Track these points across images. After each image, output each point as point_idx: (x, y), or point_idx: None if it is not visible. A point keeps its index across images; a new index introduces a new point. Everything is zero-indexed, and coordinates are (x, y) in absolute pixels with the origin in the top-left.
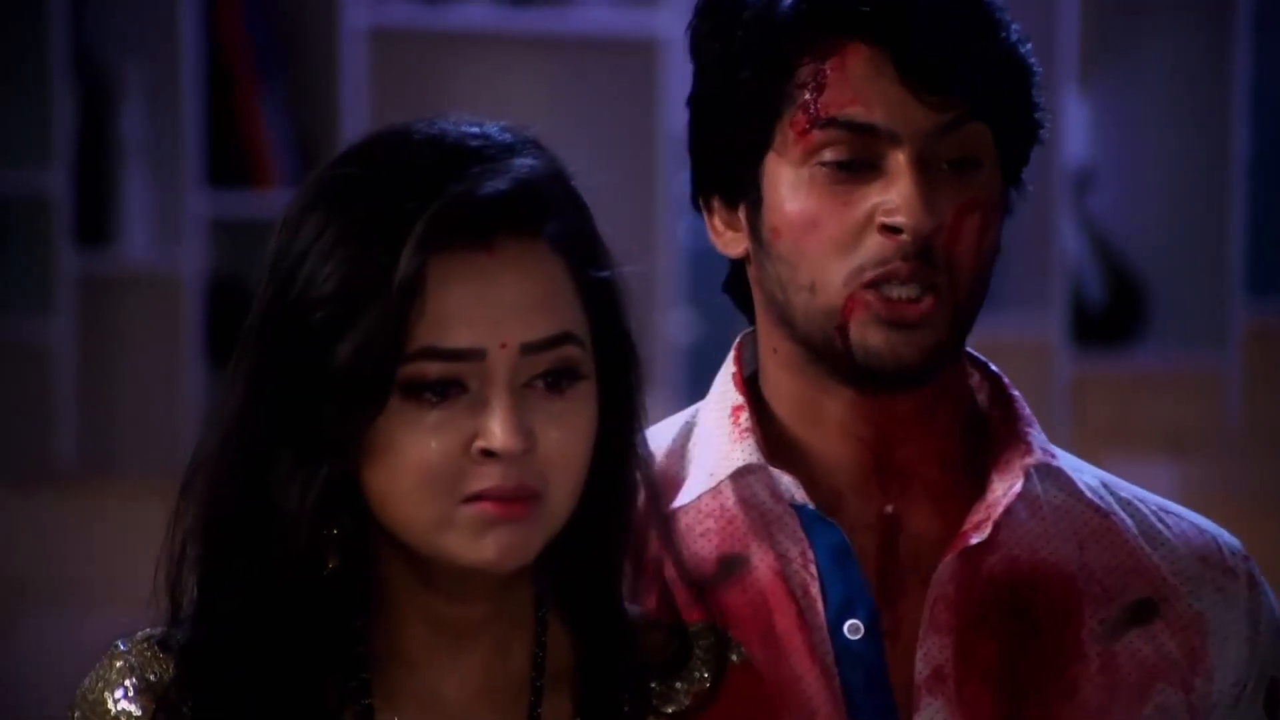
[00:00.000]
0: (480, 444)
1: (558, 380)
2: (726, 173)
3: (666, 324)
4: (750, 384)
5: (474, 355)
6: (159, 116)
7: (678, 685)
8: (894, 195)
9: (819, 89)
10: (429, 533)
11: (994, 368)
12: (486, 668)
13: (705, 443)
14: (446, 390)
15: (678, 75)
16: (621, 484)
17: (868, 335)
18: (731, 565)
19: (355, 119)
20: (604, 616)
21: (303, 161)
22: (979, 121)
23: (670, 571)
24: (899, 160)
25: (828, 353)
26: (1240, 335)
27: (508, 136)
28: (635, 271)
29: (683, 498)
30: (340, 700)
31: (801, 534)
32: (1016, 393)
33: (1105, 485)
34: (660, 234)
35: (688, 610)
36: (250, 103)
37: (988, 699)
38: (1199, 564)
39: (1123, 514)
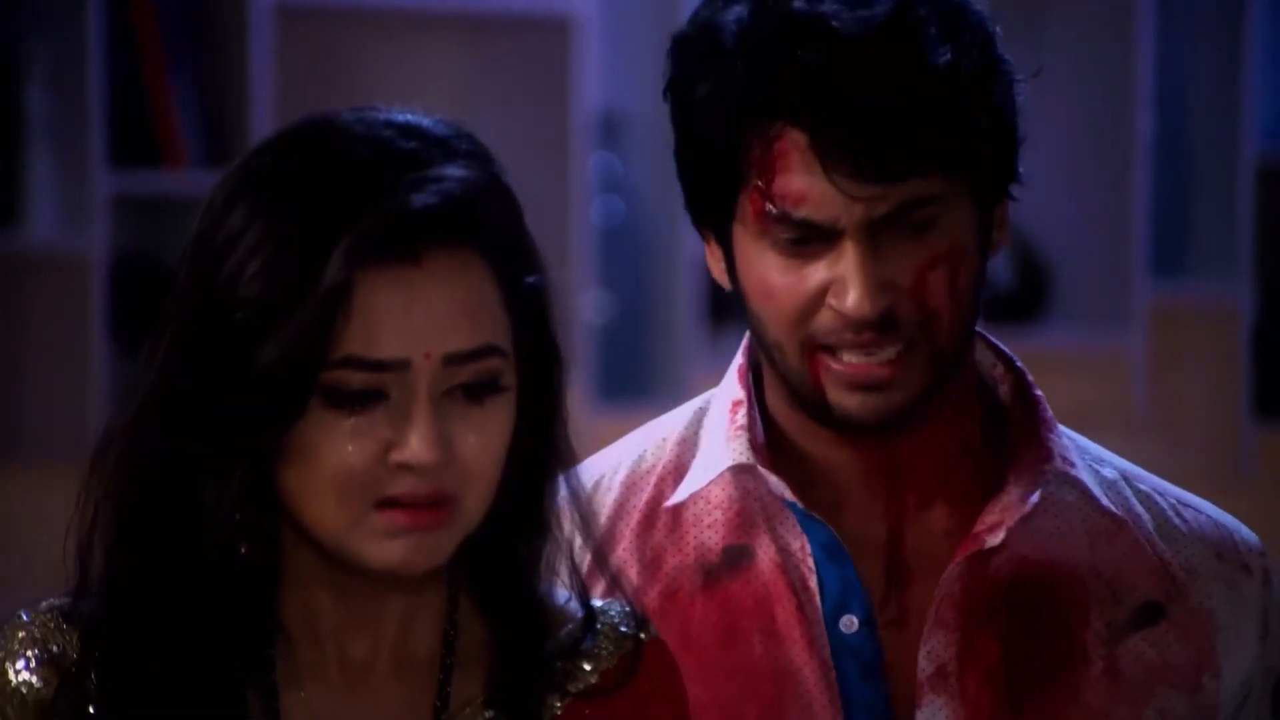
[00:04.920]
0: (397, 457)
1: (477, 392)
2: (707, 221)
3: (580, 304)
4: (757, 373)
5: (398, 366)
6: (64, 95)
7: (585, 666)
8: (840, 275)
9: (767, 173)
10: (339, 534)
11: (1019, 363)
12: (395, 646)
13: (710, 434)
14: (367, 399)
15: (592, 55)
16: (540, 485)
17: (841, 398)
18: (736, 556)
19: (264, 98)
20: (516, 601)
21: (211, 140)
22: (930, 199)
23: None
24: (845, 246)
25: (810, 406)
26: (1144, 315)
27: (442, 130)
28: (549, 252)
29: (679, 494)
30: (247, 676)
31: (799, 528)
32: (1039, 393)
33: (1125, 478)
34: (574, 214)
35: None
36: (157, 81)
37: (989, 697)
38: (1213, 560)
39: (1139, 509)
